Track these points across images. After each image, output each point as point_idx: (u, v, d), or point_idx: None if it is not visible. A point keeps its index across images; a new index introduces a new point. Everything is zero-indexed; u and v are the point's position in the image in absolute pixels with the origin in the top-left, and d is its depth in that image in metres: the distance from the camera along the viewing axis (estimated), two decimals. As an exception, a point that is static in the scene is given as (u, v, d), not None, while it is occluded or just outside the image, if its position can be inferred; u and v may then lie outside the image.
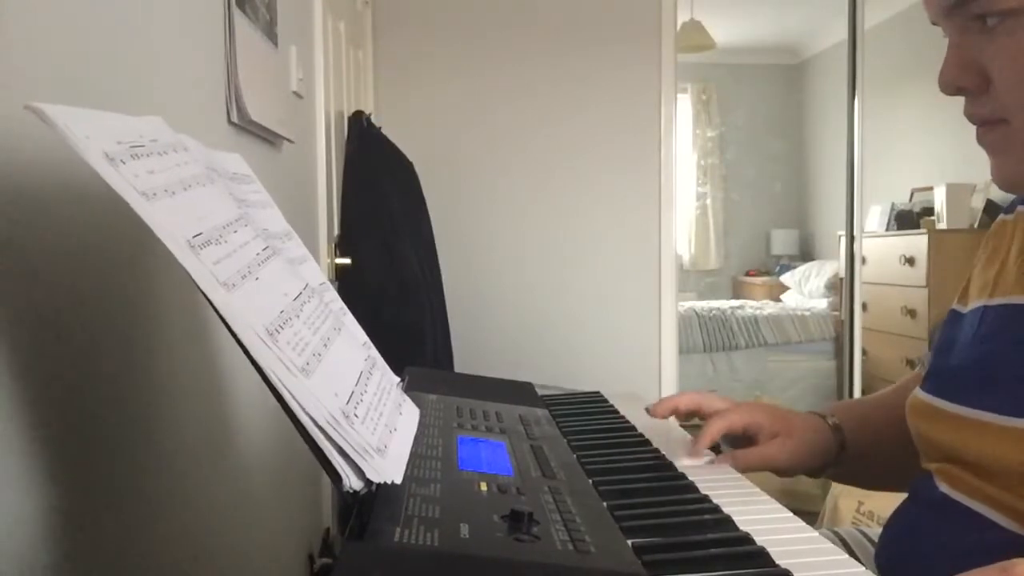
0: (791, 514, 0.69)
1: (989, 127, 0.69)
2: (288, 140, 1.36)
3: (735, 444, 0.93)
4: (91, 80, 0.65)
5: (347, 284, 1.90)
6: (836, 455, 0.94)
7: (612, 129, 2.84)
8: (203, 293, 0.47)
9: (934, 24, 0.72)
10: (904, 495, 0.85)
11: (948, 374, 0.78)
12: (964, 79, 0.68)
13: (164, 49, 0.82)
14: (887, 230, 4.35)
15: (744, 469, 0.86)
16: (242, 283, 0.51)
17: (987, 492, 0.70)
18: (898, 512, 0.84)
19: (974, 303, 0.79)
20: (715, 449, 0.91)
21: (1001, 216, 0.83)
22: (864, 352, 3.47)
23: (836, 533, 0.98)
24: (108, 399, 0.63)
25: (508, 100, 2.82)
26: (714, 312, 4.68)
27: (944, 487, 0.75)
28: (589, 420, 0.98)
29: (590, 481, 0.70)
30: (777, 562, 0.55)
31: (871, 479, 1.04)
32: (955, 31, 0.69)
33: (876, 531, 0.96)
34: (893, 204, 4.41)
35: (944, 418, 0.75)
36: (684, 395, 0.96)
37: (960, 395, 0.74)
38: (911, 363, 3.81)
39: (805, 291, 5.39)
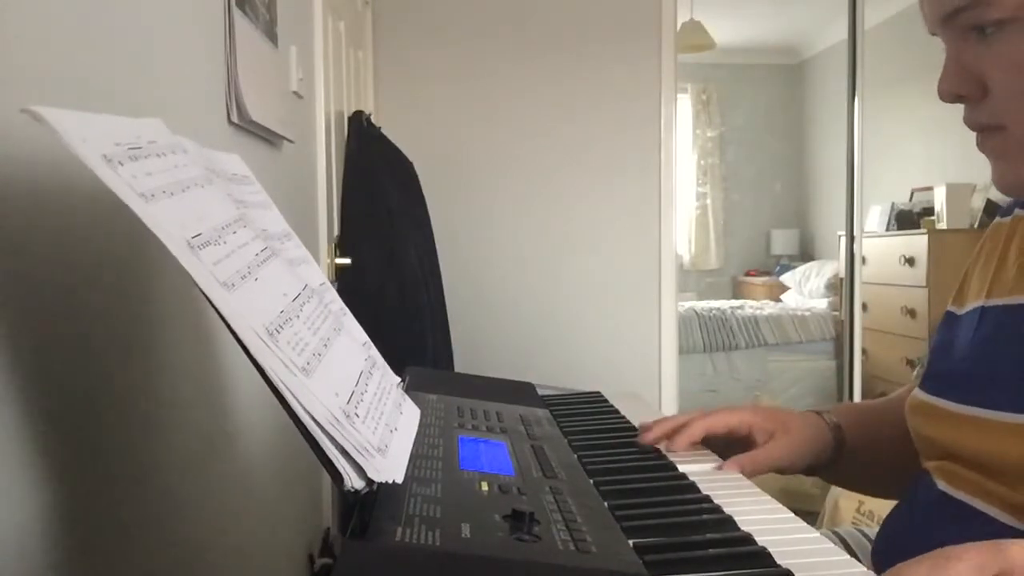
0: (792, 514, 0.69)
1: (988, 134, 0.70)
2: (288, 140, 1.36)
3: (721, 449, 0.91)
4: (91, 80, 0.65)
5: (347, 284, 1.90)
6: (833, 454, 0.93)
7: (612, 129, 2.84)
8: (203, 293, 0.47)
9: (933, 34, 0.73)
10: None
11: (947, 374, 0.79)
12: (962, 87, 0.69)
13: (164, 49, 0.82)
14: (887, 230, 4.34)
15: (753, 473, 0.85)
16: (242, 283, 0.51)
17: (987, 488, 0.70)
18: (896, 510, 0.84)
19: (971, 304, 0.79)
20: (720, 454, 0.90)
21: (997, 219, 0.84)
22: (864, 352, 3.48)
23: (836, 533, 0.97)
24: (108, 399, 0.63)
25: (508, 100, 2.82)
26: (714, 312, 4.68)
27: (943, 484, 0.76)
28: (590, 420, 0.98)
29: (591, 481, 0.70)
30: (778, 562, 0.55)
31: (868, 483, 1.03)
32: (952, 40, 0.70)
33: (876, 531, 0.96)
34: (893, 204, 4.40)
35: (944, 417, 0.76)
36: (667, 421, 0.90)
37: (960, 394, 0.75)
38: (911, 363, 3.81)
39: (805, 291, 5.39)
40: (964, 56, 0.68)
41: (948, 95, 0.70)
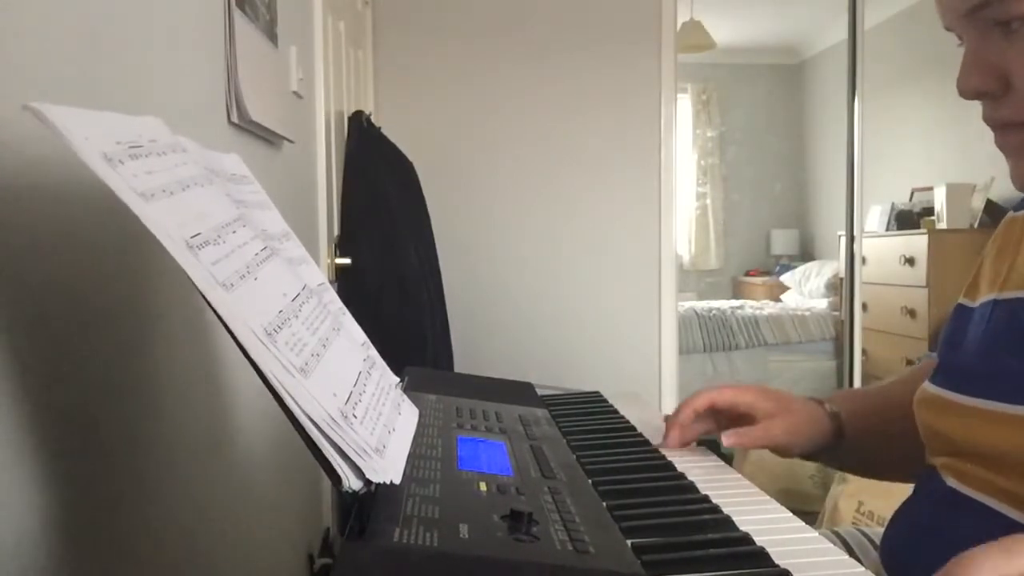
0: (791, 514, 0.69)
1: (1008, 130, 0.68)
2: (288, 140, 1.36)
3: (724, 427, 0.94)
4: (91, 80, 0.65)
5: (347, 284, 1.90)
6: (831, 440, 0.95)
7: (612, 129, 2.84)
8: (201, 293, 0.47)
9: (948, 30, 0.71)
10: (904, 486, 0.85)
11: (957, 367, 0.78)
12: (984, 83, 0.67)
13: (164, 49, 0.82)
14: (887, 230, 4.34)
15: (748, 446, 0.87)
16: (240, 283, 0.51)
17: (998, 485, 0.70)
18: (904, 508, 0.83)
19: (983, 297, 0.79)
20: (712, 448, 0.91)
21: (1010, 213, 0.83)
22: (864, 352, 3.47)
23: (836, 533, 0.97)
24: (107, 400, 0.63)
25: (508, 100, 2.82)
26: (714, 312, 4.68)
27: (952, 481, 0.75)
28: (589, 420, 0.98)
29: (590, 481, 0.70)
30: (777, 562, 0.55)
31: (869, 468, 1.05)
32: (974, 35, 0.68)
33: (876, 531, 0.96)
34: (893, 204, 4.40)
35: (953, 410, 0.75)
36: (681, 412, 0.93)
37: (970, 387, 0.74)
38: (911, 363, 3.81)
39: (805, 291, 5.39)
40: (986, 51, 0.67)
41: (969, 91, 0.68)
